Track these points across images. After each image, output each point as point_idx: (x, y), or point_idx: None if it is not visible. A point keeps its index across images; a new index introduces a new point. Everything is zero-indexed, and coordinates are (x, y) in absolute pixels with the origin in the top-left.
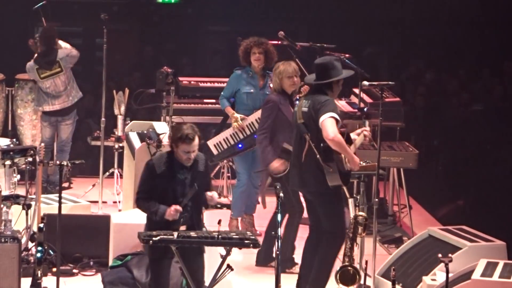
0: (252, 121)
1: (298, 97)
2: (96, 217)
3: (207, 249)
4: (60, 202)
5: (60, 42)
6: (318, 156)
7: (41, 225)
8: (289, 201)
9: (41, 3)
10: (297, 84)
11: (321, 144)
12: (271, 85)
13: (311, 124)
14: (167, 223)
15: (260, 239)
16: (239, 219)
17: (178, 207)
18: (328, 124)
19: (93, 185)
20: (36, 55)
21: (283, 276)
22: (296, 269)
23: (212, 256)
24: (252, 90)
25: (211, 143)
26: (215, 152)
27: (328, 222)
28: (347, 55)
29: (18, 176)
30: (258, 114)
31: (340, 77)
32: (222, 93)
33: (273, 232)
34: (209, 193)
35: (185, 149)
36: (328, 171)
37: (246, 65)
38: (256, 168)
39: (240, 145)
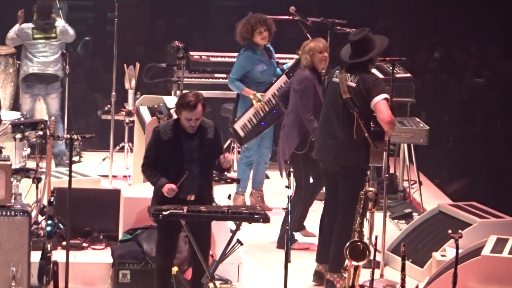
0: (269, 97)
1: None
2: (106, 191)
3: (217, 223)
4: (70, 176)
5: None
6: (366, 134)
7: (51, 199)
8: (300, 178)
9: None
10: (327, 60)
11: (369, 123)
12: (276, 57)
13: (361, 101)
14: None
15: (270, 215)
16: (247, 194)
17: (173, 187)
18: (384, 107)
19: (104, 159)
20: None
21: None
22: (295, 246)
23: (222, 230)
24: (265, 68)
25: (237, 126)
26: (242, 134)
27: (350, 197)
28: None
29: (29, 150)
30: (272, 89)
31: (376, 51)
32: (231, 75)
33: (283, 208)
34: (221, 156)
35: (187, 116)
36: (375, 150)
37: (247, 42)
38: (265, 144)
39: (263, 123)
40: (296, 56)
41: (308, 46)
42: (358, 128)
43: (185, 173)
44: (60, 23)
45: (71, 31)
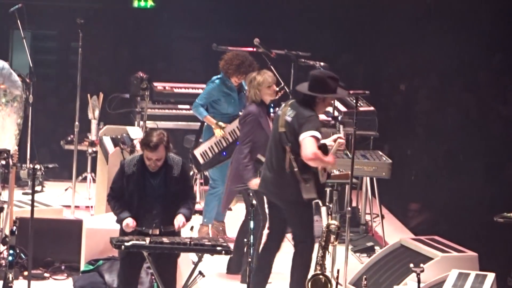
0: (234, 128)
1: (276, 104)
2: (69, 221)
3: (180, 254)
4: (32, 206)
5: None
6: (296, 169)
7: (13, 228)
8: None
9: (16, 6)
10: (277, 92)
11: (299, 158)
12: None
13: (292, 135)
14: (139, 226)
15: (232, 246)
16: (210, 225)
17: (131, 224)
18: (308, 144)
19: (66, 189)
20: None
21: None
22: None
23: (184, 262)
24: (232, 100)
25: (197, 152)
26: (201, 161)
27: (300, 231)
28: (321, 63)
29: None
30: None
31: (328, 95)
32: (197, 101)
33: (245, 240)
34: (176, 220)
35: (148, 155)
36: (305, 185)
37: (225, 75)
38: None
39: (224, 153)
40: None
41: (256, 80)
42: (290, 162)
43: (157, 225)
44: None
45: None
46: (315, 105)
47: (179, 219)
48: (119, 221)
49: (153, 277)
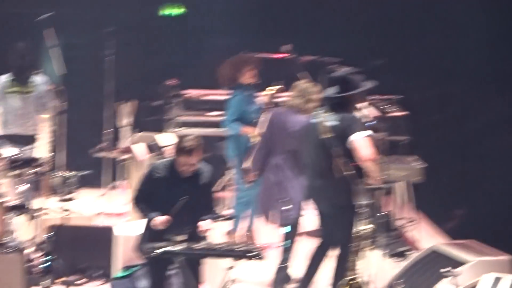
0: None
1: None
2: (100, 228)
3: (210, 261)
4: (65, 213)
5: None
6: (346, 172)
7: (47, 235)
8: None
9: (47, 14)
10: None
11: (349, 161)
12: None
13: (339, 140)
14: (165, 232)
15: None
16: (239, 231)
17: (163, 220)
18: (365, 144)
19: (99, 196)
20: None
21: None
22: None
23: (215, 268)
24: (255, 107)
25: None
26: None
27: (345, 235)
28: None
29: (25, 186)
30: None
31: (358, 90)
32: (228, 118)
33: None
34: (201, 222)
35: (183, 160)
36: (356, 188)
37: (236, 82)
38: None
39: None
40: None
41: (310, 89)
42: (338, 167)
43: (180, 200)
44: (41, 80)
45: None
46: (349, 104)
47: (205, 223)
48: (149, 220)
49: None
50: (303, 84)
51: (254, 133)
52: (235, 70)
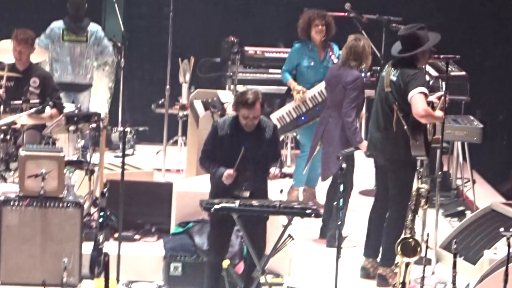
0: (315, 93)
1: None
2: (159, 184)
3: (269, 218)
4: (123, 168)
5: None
6: (405, 127)
7: (104, 190)
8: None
9: None
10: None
11: (409, 116)
12: (332, 57)
13: (399, 94)
14: (230, 188)
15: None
16: (300, 189)
17: (231, 172)
18: (418, 101)
19: (157, 152)
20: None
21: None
22: (344, 242)
23: (273, 225)
24: (312, 64)
25: (274, 116)
26: (278, 125)
27: (399, 191)
28: None
29: (82, 142)
30: (320, 86)
31: (423, 48)
32: (283, 67)
33: (334, 203)
34: (272, 169)
35: (244, 113)
36: (414, 143)
37: (305, 37)
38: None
39: (303, 118)
40: None
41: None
42: (398, 121)
43: (241, 149)
44: (96, 28)
45: (110, 49)
46: (418, 61)
47: (273, 169)
48: (218, 177)
49: (243, 240)
50: (354, 41)
51: (294, 89)
52: (303, 24)
